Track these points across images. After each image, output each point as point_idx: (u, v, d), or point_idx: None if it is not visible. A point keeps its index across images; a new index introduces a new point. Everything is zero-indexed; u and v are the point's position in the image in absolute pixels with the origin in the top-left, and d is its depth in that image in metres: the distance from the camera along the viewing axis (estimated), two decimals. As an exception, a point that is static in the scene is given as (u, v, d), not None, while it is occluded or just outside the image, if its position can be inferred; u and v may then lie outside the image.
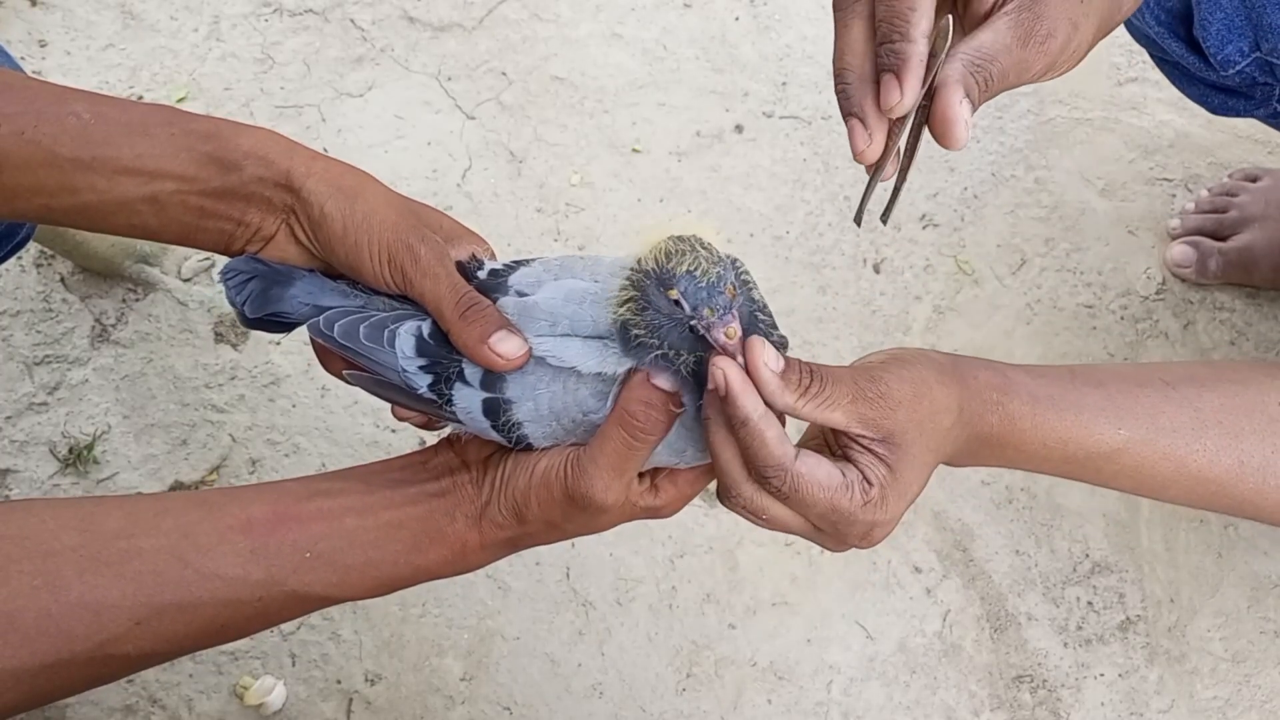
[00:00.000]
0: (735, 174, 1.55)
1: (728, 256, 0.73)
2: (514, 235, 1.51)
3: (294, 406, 1.42)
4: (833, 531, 0.74)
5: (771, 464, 0.71)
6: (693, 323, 0.71)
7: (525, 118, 1.59)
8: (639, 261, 0.73)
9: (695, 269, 0.70)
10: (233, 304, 0.82)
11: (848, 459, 0.74)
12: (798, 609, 1.34)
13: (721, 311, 0.71)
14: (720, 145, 1.57)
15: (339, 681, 1.30)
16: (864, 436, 0.73)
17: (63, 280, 1.47)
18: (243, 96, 1.59)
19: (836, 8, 0.68)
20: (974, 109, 0.67)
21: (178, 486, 1.38)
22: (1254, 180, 1.49)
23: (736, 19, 1.65)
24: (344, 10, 1.65)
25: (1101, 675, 1.32)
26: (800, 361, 0.73)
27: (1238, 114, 1.23)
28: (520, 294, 0.78)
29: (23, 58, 1.57)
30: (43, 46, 1.61)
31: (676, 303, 0.71)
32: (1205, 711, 1.30)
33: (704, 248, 0.72)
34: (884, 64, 0.65)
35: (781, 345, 0.75)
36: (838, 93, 0.68)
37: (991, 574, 1.36)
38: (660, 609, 1.33)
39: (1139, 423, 0.82)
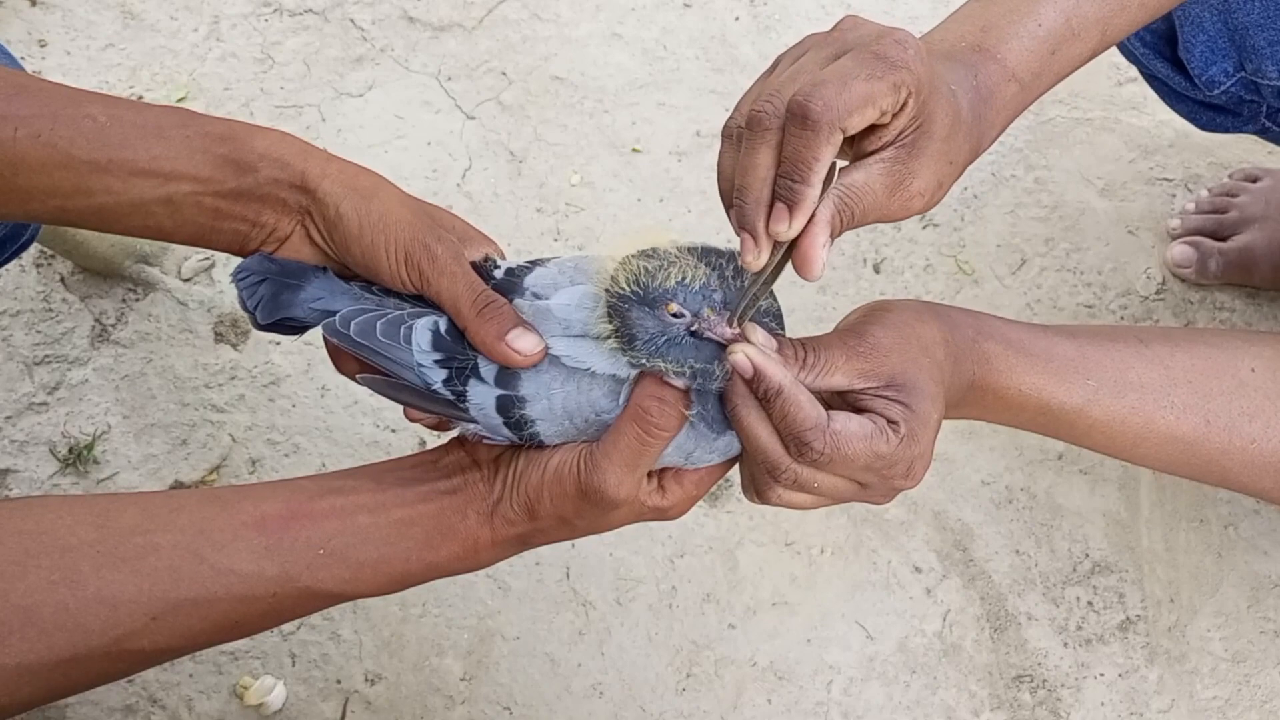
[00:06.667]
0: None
1: (687, 248, 0.76)
2: (514, 235, 1.51)
3: (294, 406, 1.42)
4: (879, 481, 0.77)
5: (809, 425, 0.73)
6: (694, 328, 0.74)
7: (525, 118, 1.59)
8: (611, 286, 0.74)
9: (685, 278, 0.73)
10: (244, 308, 0.82)
11: (865, 409, 0.76)
12: (798, 609, 1.34)
13: (719, 307, 0.74)
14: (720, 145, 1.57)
15: (339, 681, 1.30)
16: (869, 388, 0.76)
17: (63, 280, 1.47)
18: (243, 96, 1.59)
19: (750, 127, 0.74)
20: (832, 241, 0.74)
21: (178, 486, 1.38)
22: (1254, 180, 1.49)
23: (736, 19, 1.65)
24: (344, 10, 1.65)
25: (1101, 675, 1.32)
26: (790, 338, 0.77)
27: (1226, 130, 1.24)
28: (536, 296, 0.79)
29: (23, 58, 1.57)
30: (43, 46, 1.61)
31: (676, 314, 0.73)
32: (1205, 711, 1.30)
33: (677, 255, 0.74)
34: (781, 195, 0.72)
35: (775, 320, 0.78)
36: (734, 207, 0.74)
37: (991, 574, 1.36)
38: (660, 609, 1.33)
39: (1108, 375, 0.84)
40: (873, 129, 0.74)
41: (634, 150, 1.57)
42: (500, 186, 1.55)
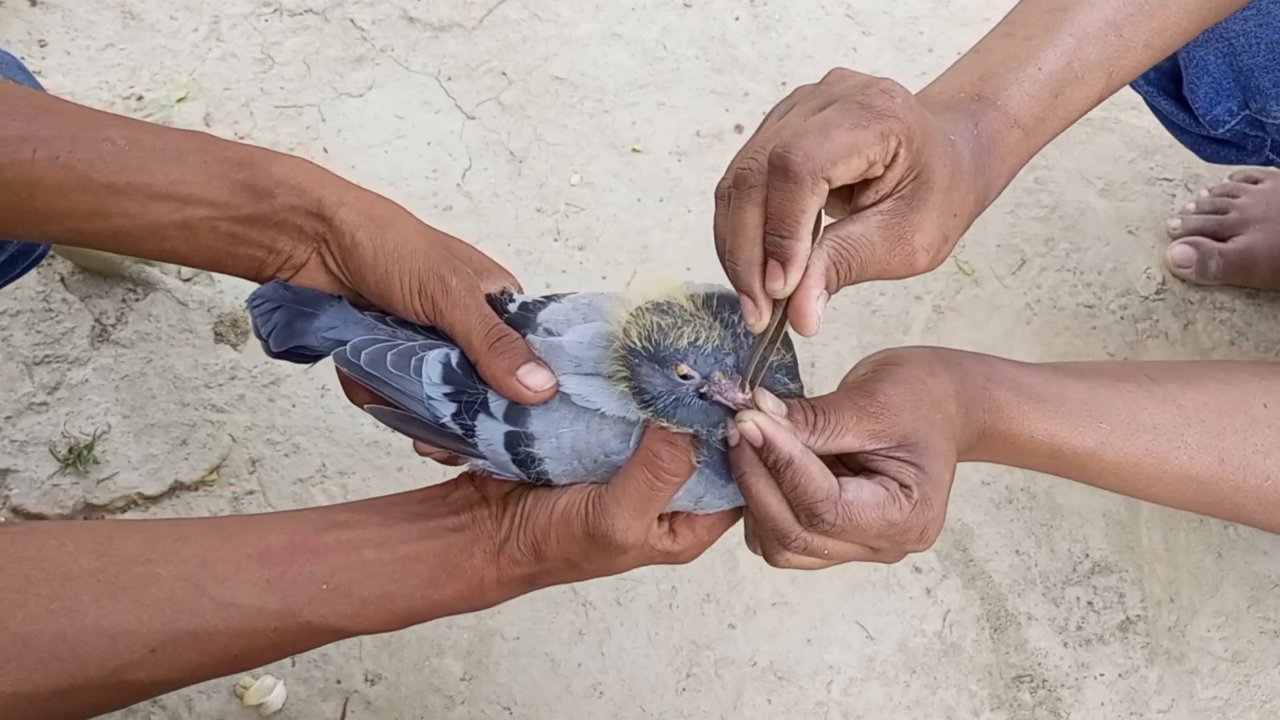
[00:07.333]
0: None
1: (702, 300, 0.74)
2: (514, 235, 1.51)
3: (294, 406, 1.42)
4: (890, 546, 0.75)
5: (821, 498, 0.71)
6: (703, 390, 0.72)
7: (525, 118, 1.59)
8: (624, 336, 0.73)
9: (697, 338, 0.72)
10: (258, 334, 0.82)
11: (876, 471, 0.75)
12: (798, 609, 1.34)
13: (731, 371, 0.72)
14: (720, 145, 1.57)
15: (339, 681, 1.30)
16: (881, 449, 0.74)
17: (63, 280, 1.46)
18: (243, 96, 1.59)
19: (736, 186, 0.72)
20: (830, 296, 0.72)
21: (178, 486, 1.38)
22: (1255, 182, 1.49)
23: (736, 19, 1.65)
24: (344, 10, 1.65)
25: (1101, 675, 1.32)
26: (800, 401, 0.75)
27: (1230, 162, 1.24)
28: (549, 332, 0.78)
29: (23, 57, 1.57)
30: (43, 46, 1.61)
31: (686, 376, 0.72)
32: (1205, 711, 1.30)
33: (692, 312, 0.73)
34: (771, 252, 0.70)
35: (796, 394, 0.76)
36: (728, 270, 0.73)
37: (991, 574, 1.36)
38: (660, 609, 1.33)
39: (1120, 417, 0.83)
40: (868, 183, 0.72)
41: (634, 150, 1.57)
42: (500, 186, 1.55)
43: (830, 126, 0.70)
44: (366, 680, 1.31)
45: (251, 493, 1.38)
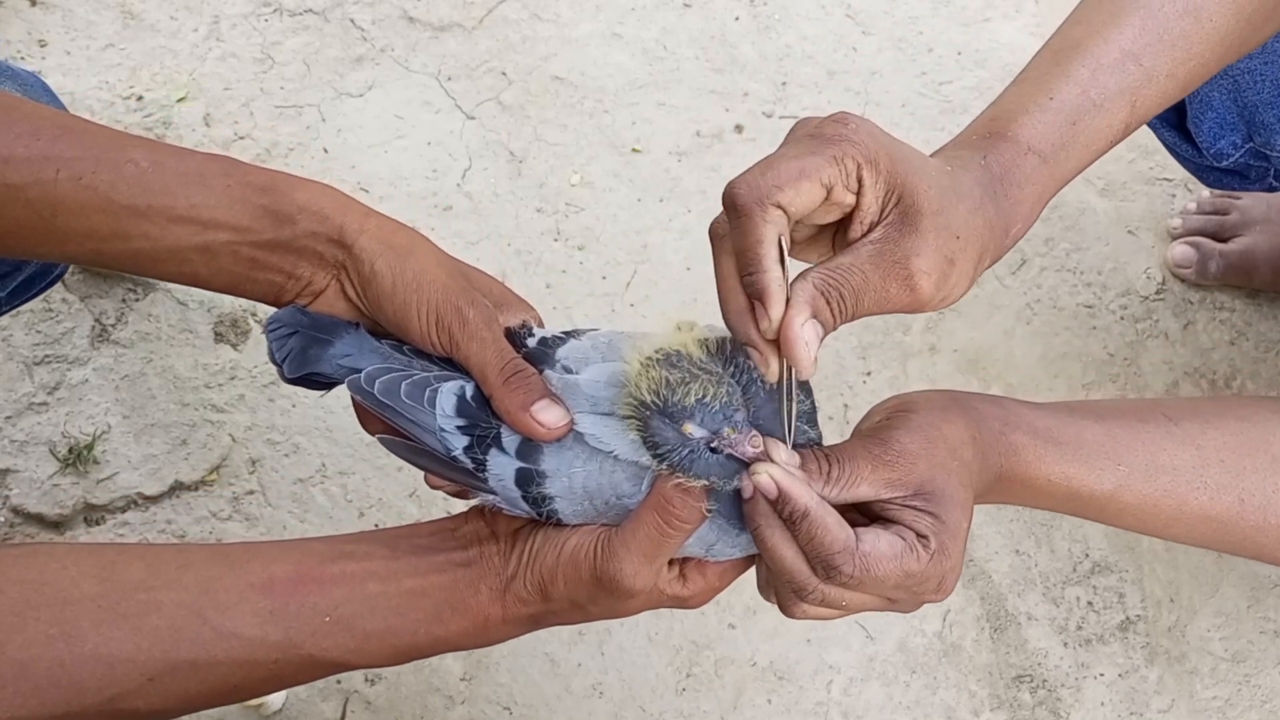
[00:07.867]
0: (735, 174, 1.55)
1: (716, 347, 0.73)
2: (514, 235, 1.51)
3: (294, 406, 1.42)
4: (908, 596, 0.75)
5: (838, 549, 0.71)
6: (713, 445, 0.72)
7: (525, 118, 1.59)
8: (634, 388, 0.72)
9: (705, 395, 0.71)
10: (273, 360, 0.82)
11: (893, 521, 0.74)
12: (798, 609, 1.34)
13: (741, 426, 0.71)
14: (720, 145, 1.57)
15: (339, 681, 1.30)
16: (897, 498, 0.74)
17: (63, 280, 1.46)
18: (243, 96, 1.59)
19: (710, 242, 0.72)
20: (826, 330, 0.70)
21: (178, 486, 1.38)
22: (1255, 182, 1.50)
23: (736, 19, 1.65)
24: (344, 10, 1.65)
25: (1101, 675, 1.32)
26: (814, 450, 0.74)
27: (1233, 189, 1.25)
28: (566, 370, 0.78)
29: (23, 57, 1.57)
30: (43, 46, 1.61)
31: (694, 433, 0.71)
32: (1205, 711, 1.30)
33: (702, 365, 0.72)
34: (749, 293, 0.70)
35: (815, 442, 0.76)
36: (726, 324, 0.73)
37: (991, 574, 1.36)
38: (660, 609, 1.33)
39: (1139, 459, 0.82)
40: (850, 217, 0.72)
41: (634, 150, 1.57)
42: (500, 186, 1.55)
43: (776, 158, 0.70)
44: (366, 680, 1.31)
45: (251, 493, 1.38)
